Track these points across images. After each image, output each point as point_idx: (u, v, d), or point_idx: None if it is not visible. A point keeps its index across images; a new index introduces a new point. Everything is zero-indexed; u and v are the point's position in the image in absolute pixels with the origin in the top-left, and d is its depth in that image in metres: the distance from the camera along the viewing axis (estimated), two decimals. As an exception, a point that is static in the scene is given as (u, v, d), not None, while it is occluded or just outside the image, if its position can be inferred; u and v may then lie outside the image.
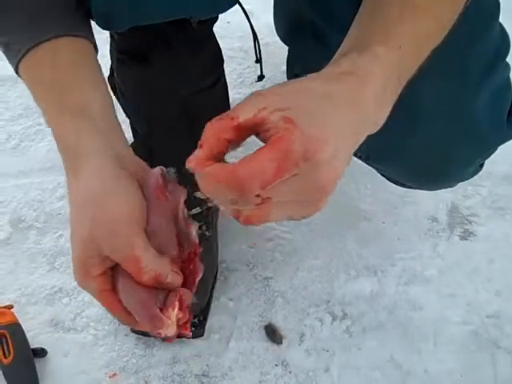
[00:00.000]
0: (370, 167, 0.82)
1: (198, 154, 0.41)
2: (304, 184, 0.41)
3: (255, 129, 0.41)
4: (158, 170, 0.51)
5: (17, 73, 0.54)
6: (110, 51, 0.82)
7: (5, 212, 1.00)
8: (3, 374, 0.79)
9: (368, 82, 0.44)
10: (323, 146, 0.39)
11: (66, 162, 0.50)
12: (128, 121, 0.89)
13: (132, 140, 0.93)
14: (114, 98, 0.85)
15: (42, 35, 0.50)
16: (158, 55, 0.77)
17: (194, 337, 0.85)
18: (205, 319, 0.87)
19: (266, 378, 0.83)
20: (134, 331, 0.85)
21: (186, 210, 0.52)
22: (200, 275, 0.53)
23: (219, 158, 0.42)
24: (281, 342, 0.86)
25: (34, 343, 0.83)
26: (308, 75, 0.44)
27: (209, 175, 0.40)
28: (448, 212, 1.04)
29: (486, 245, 0.99)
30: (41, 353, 0.82)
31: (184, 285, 0.51)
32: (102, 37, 0.78)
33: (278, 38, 0.87)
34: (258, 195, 0.40)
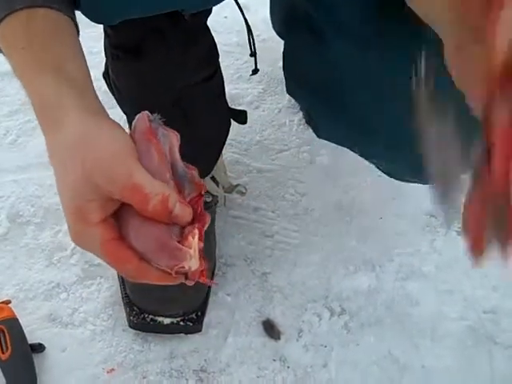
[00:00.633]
0: (368, 162, 0.82)
1: None
2: None
3: None
4: (144, 113, 0.49)
5: None
6: (104, 48, 0.82)
7: (2, 207, 1.00)
8: (1, 369, 0.79)
9: None
10: None
11: (45, 117, 0.50)
12: (125, 117, 0.89)
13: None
14: (109, 94, 0.86)
15: (16, 5, 0.50)
16: (151, 48, 0.77)
17: (191, 332, 0.86)
18: (202, 314, 0.87)
19: (264, 374, 0.83)
20: (132, 326, 0.85)
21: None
22: (208, 221, 0.50)
23: None
24: (279, 338, 0.87)
25: (31, 338, 0.83)
26: None
27: None
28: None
29: (483, 240, 0.99)
30: (38, 348, 0.82)
31: None
32: (96, 33, 0.78)
33: (274, 34, 0.87)
34: None
